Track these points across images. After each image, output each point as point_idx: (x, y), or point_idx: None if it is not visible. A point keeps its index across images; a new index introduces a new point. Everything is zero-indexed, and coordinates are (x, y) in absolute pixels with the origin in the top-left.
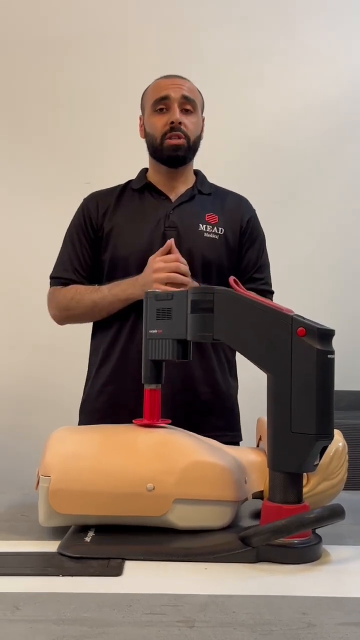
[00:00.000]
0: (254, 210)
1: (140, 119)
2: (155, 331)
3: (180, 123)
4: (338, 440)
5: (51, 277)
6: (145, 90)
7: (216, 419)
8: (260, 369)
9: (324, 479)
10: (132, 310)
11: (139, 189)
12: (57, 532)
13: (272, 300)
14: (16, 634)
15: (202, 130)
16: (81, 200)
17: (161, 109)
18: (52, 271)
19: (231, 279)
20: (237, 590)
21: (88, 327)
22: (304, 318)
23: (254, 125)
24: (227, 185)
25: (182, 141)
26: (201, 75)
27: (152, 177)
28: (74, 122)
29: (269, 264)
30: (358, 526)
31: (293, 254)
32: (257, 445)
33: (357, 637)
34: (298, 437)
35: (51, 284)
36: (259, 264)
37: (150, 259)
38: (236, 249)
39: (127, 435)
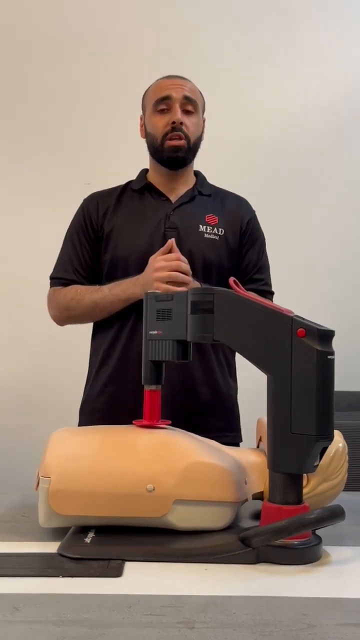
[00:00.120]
0: (254, 211)
1: (141, 118)
2: (155, 332)
3: (181, 123)
4: (338, 441)
5: (51, 278)
6: (147, 90)
7: (216, 420)
8: (260, 369)
9: (324, 479)
10: (133, 311)
11: (139, 190)
12: (57, 533)
13: (272, 301)
14: (16, 635)
15: (202, 131)
16: (81, 201)
17: (162, 109)
18: (52, 271)
19: (231, 279)
20: (237, 591)
21: (88, 327)
22: (303, 319)
23: (254, 126)
24: (227, 186)
25: (182, 142)
26: (201, 75)
27: (152, 177)
28: (74, 122)
29: (269, 265)
30: (358, 527)
31: (293, 254)
32: (257, 446)
33: (357, 638)
34: (298, 438)
35: (51, 285)
36: (259, 264)
37: (151, 258)
38: (236, 249)
39: (127, 436)
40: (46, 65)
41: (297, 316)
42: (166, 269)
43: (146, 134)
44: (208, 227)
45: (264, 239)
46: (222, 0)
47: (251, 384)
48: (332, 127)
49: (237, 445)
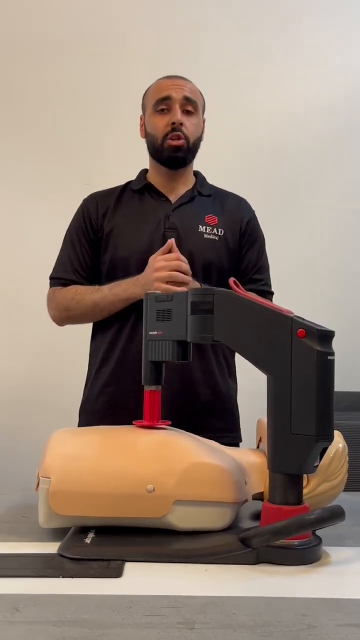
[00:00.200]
0: (254, 211)
1: (141, 118)
2: (155, 332)
3: (181, 124)
4: (338, 442)
5: (51, 278)
6: (147, 90)
7: (216, 420)
8: (260, 370)
9: (324, 480)
10: (132, 311)
11: (138, 190)
12: (57, 534)
13: (272, 301)
14: (16, 636)
15: (202, 132)
16: (81, 201)
17: (162, 110)
18: (52, 272)
19: (231, 280)
20: (237, 592)
21: (88, 328)
22: (303, 319)
23: (255, 126)
24: (227, 186)
25: (182, 142)
26: (201, 75)
27: (152, 178)
28: (74, 123)
29: (268, 265)
30: (358, 527)
31: (293, 254)
32: (257, 447)
33: (357, 639)
34: (298, 439)
35: (51, 285)
36: (258, 265)
37: (151, 258)
38: (236, 250)
39: (127, 437)
40: (46, 65)
41: (297, 316)
42: (166, 268)
43: (146, 134)
44: (208, 227)
45: (263, 239)
46: (222, 0)
47: (251, 385)
48: (332, 127)
49: (236, 445)
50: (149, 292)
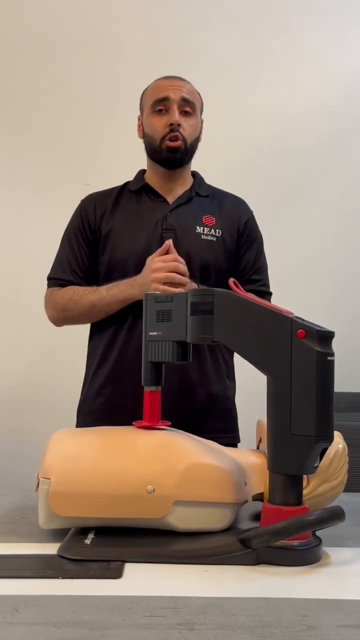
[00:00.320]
0: (252, 211)
1: (138, 119)
2: (155, 333)
3: (179, 125)
4: (338, 442)
5: (48, 279)
6: (145, 91)
7: (214, 421)
8: (260, 371)
9: (324, 480)
10: (130, 312)
11: (136, 191)
12: (57, 535)
13: (270, 301)
14: (16, 637)
15: (200, 133)
16: (79, 202)
17: (160, 110)
18: (50, 272)
19: (231, 281)
20: (237, 593)
21: (87, 328)
22: (303, 320)
23: (255, 126)
24: (227, 186)
25: (179, 143)
26: (201, 75)
27: (149, 178)
28: (73, 123)
29: (267, 266)
30: (358, 528)
31: (293, 254)
32: (257, 447)
33: (357, 639)
34: (298, 439)
35: (48, 285)
36: (256, 265)
37: (149, 259)
38: (234, 250)
39: (127, 438)
40: (45, 66)
41: (296, 317)
42: (164, 270)
43: (144, 135)
44: (205, 228)
45: (261, 239)
46: (222, 0)
47: (250, 385)
48: (332, 127)
49: (235, 446)
50: (148, 292)
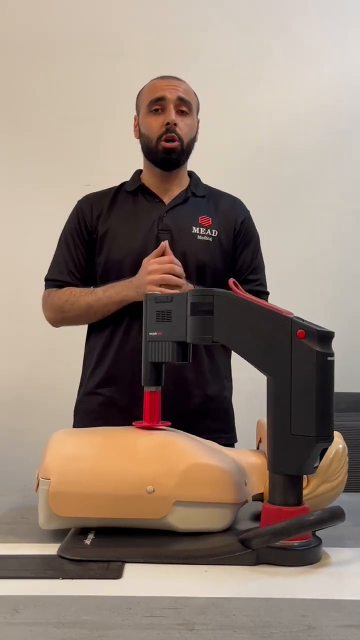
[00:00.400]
0: (248, 211)
1: (135, 119)
2: (155, 333)
3: (175, 125)
4: (338, 442)
5: (46, 280)
6: (141, 91)
7: (210, 421)
8: (260, 371)
9: (324, 481)
10: (127, 313)
11: (132, 191)
12: (57, 535)
13: (267, 301)
14: (16, 637)
15: (196, 132)
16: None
17: (156, 110)
18: (47, 273)
19: (231, 281)
20: (237, 593)
21: (86, 329)
22: (303, 320)
23: (255, 126)
24: (227, 186)
25: (176, 144)
26: (201, 75)
27: (145, 179)
28: (73, 124)
29: (264, 265)
30: (358, 528)
31: (293, 254)
32: (257, 448)
33: (357, 639)
34: (298, 439)
35: (46, 286)
36: (253, 265)
37: (145, 260)
38: (230, 250)
39: (127, 438)
40: (45, 66)
41: (296, 317)
42: (159, 271)
43: (140, 135)
44: (201, 228)
45: (258, 239)
46: (222, 0)
47: (249, 385)
48: (332, 127)
49: (232, 446)
50: (148, 293)
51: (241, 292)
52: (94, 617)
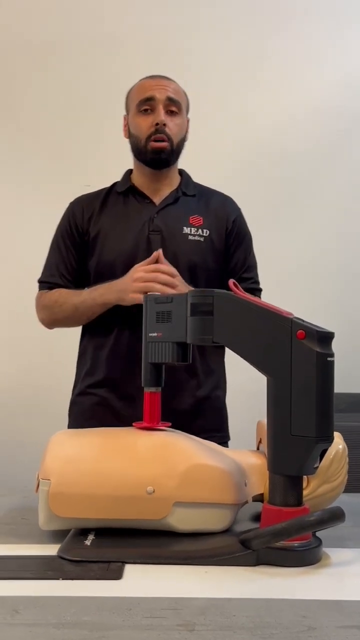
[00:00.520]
0: (240, 209)
1: (124, 118)
2: (155, 334)
3: (164, 125)
4: (338, 443)
5: (39, 282)
6: (130, 90)
7: (204, 420)
8: (260, 371)
9: (324, 481)
10: (118, 314)
11: (123, 192)
12: (57, 536)
13: (260, 297)
14: (16, 638)
15: (186, 132)
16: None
17: (146, 110)
18: (40, 275)
19: (231, 281)
20: (237, 594)
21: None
22: (303, 321)
23: (255, 127)
24: (227, 186)
25: (165, 144)
26: (200, 76)
27: (136, 179)
28: (73, 124)
29: (256, 262)
30: (358, 529)
31: (293, 255)
32: (257, 448)
33: None
34: (298, 440)
35: (39, 288)
36: (247, 263)
37: (134, 267)
38: (222, 249)
39: (127, 438)
40: (45, 66)
41: (296, 318)
42: (143, 279)
43: (130, 135)
44: (192, 228)
45: (250, 236)
46: (220, 1)
47: (247, 386)
48: (332, 127)
49: (225, 444)
50: (148, 294)
51: (241, 292)
52: (94, 617)
